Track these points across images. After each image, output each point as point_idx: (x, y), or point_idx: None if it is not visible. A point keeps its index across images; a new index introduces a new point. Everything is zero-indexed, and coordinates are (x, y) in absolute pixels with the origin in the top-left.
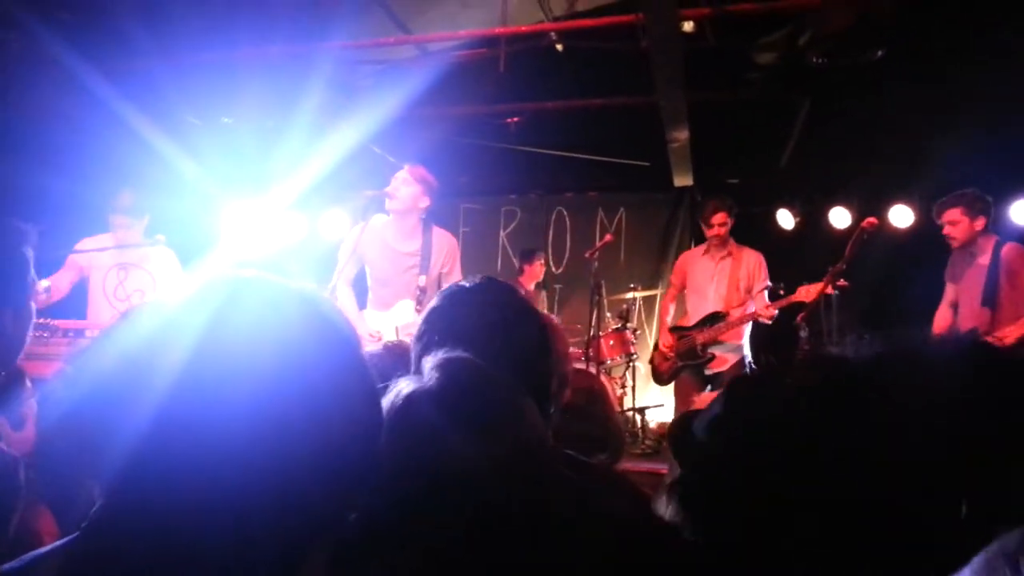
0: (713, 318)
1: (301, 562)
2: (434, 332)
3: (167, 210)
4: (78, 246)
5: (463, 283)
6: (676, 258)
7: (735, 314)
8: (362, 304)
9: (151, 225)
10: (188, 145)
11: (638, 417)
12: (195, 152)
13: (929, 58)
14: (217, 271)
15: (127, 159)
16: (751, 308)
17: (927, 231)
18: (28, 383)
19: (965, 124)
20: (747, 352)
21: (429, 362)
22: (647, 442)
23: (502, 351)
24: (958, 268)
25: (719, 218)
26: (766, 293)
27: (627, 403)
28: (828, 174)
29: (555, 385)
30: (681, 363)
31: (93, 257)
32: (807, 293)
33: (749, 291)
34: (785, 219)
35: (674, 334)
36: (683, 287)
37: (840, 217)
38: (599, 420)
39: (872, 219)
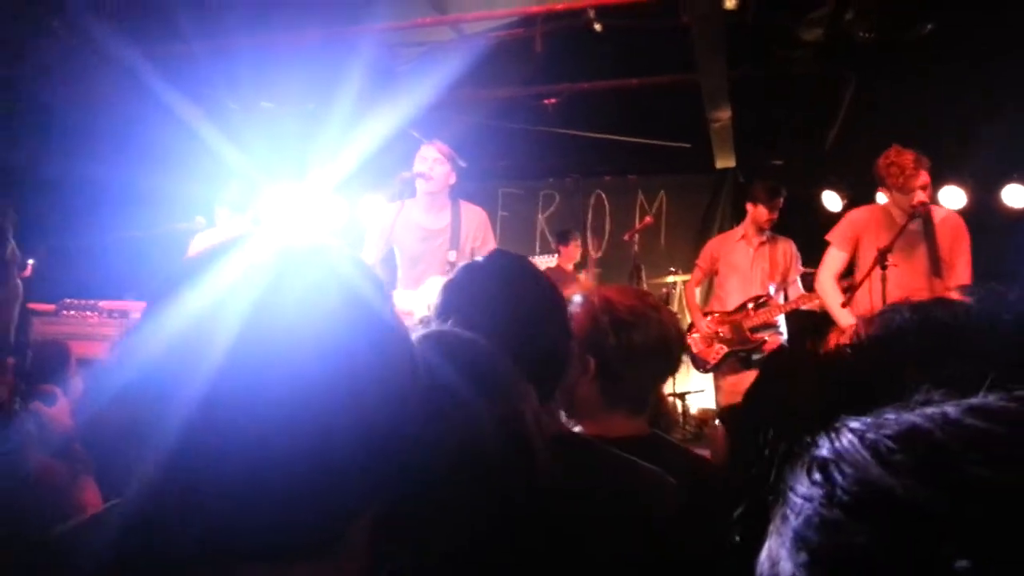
0: (758, 302)
1: (343, 533)
2: (438, 314)
3: (207, 194)
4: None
5: (465, 263)
6: None
7: (784, 299)
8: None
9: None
10: (228, 129)
11: (679, 403)
12: (235, 137)
13: (980, 36)
14: (267, 246)
15: (168, 143)
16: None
17: (979, 212)
18: (72, 362)
19: (1017, 104)
20: (784, 334)
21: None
22: (688, 428)
23: (500, 323)
24: (881, 232)
25: (779, 203)
26: (799, 281)
27: (667, 388)
28: (876, 155)
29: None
30: (729, 349)
31: None
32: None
33: (784, 277)
34: (832, 201)
35: (716, 318)
36: (711, 272)
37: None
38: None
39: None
